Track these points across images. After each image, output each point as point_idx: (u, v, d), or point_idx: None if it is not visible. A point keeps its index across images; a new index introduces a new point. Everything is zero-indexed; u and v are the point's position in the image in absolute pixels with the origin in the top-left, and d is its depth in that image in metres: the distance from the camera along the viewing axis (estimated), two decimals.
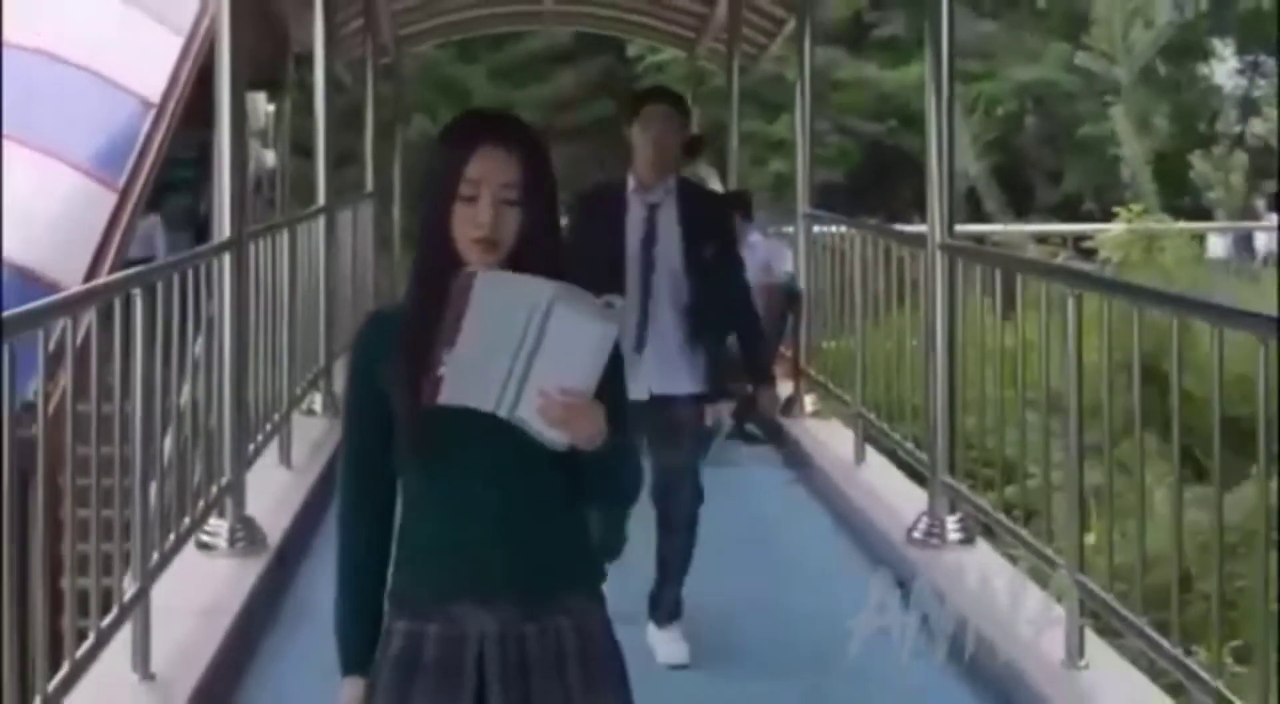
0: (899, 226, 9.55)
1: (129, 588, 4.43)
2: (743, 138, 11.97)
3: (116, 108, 11.83)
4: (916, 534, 6.15)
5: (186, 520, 5.25)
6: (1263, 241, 19.34)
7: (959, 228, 6.68)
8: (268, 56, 12.64)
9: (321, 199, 8.62)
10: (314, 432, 7.86)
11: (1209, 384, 3.81)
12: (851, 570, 6.07)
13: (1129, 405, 4.41)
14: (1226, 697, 3.75)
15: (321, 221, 8.47)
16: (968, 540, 6.07)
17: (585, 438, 2.37)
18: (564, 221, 7.99)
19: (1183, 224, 13.18)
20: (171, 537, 4.99)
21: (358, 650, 2.54)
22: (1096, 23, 20.53)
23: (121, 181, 11.33)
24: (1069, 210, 22.05)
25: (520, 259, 2.43)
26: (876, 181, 22.50)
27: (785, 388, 9.00)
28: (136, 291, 4.63)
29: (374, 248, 11.15)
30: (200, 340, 5.82)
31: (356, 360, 2.58)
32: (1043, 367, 5.27)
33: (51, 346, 3.94)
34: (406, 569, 2.52)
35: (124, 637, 4.43)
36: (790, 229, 9.88)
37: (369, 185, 11.43)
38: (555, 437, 2.36)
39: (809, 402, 9.03)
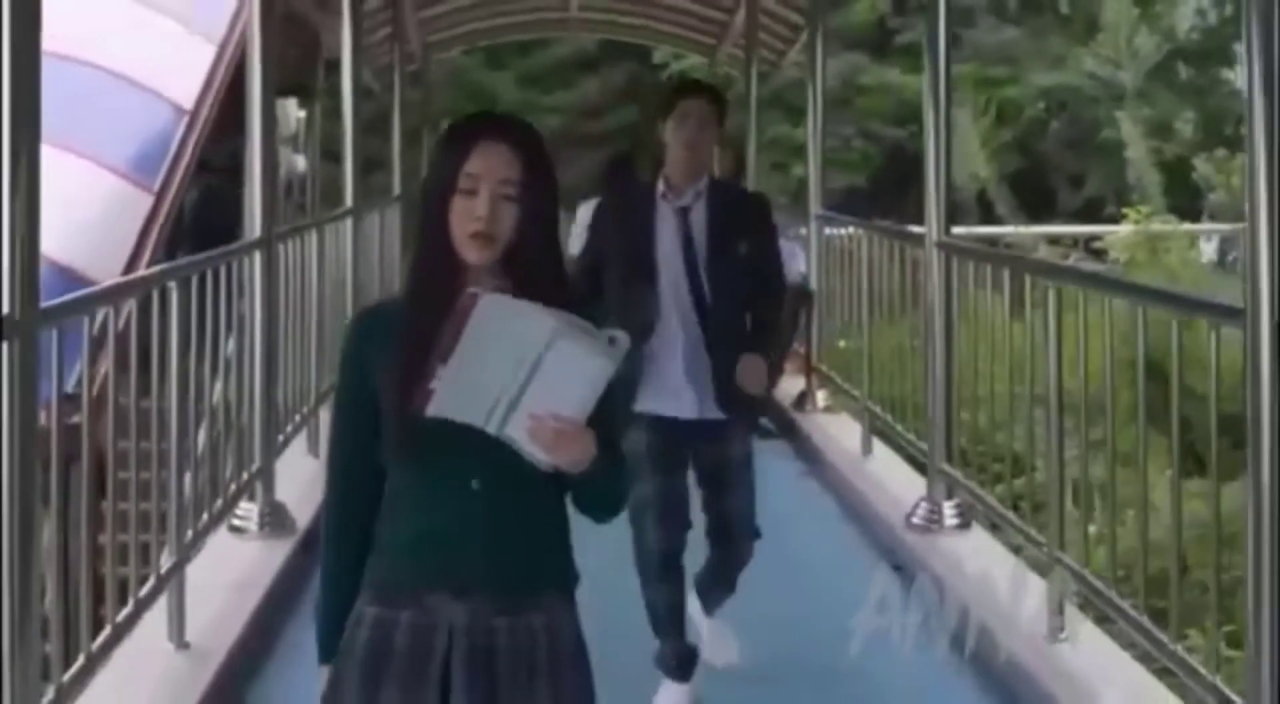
0: (914, 229, 9.75)
1: (165, 562, 4.74)
2: (767, 143, 11.96)
3: (152, 114, 12.10)
4: (916, 520, 6.42)
5: (220, 503, 5.58)
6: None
7: (973, 230, 6.91)
8: (298, 63, 12.84)
9: (349, 201, 8.76)
10: None
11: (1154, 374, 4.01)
12: (855, 556, 6.36)
13: (1102, 396, 4.68)
14: (1195, 671, 4.01)
15: (349, 223, 8.64)
16: (964, 526, 6.33)
17: (572, 462, 2.39)
18: (574, 225, 8.23)
19: (1187, 226, 13.43)
20: (205, 517, 5.32)
21: (339, 639, 2.57)
22: (1105, 29, 20.65)
23: (157, 185, 11.63)
24: (1091, 213, 22.17)
25: (516, 256, 2.44)
26: (898, 185, 22.66)
27: (798, 384, 9.29)
28: (172, 285, 4.90)
29: (400, 249, 11.38)
30: (233, 339, 6.07)
31: (348, 352, 2.57)
32: (1029, 357, 5.50)
33: (95, 332, 4.19)
34: (385, 556, 2.53)
35: (161, 612, 4.75)
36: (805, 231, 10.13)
37: (396, 189, 11.68)
38: (543, 458, 2.38)
39: (821, 397, 9.26)
